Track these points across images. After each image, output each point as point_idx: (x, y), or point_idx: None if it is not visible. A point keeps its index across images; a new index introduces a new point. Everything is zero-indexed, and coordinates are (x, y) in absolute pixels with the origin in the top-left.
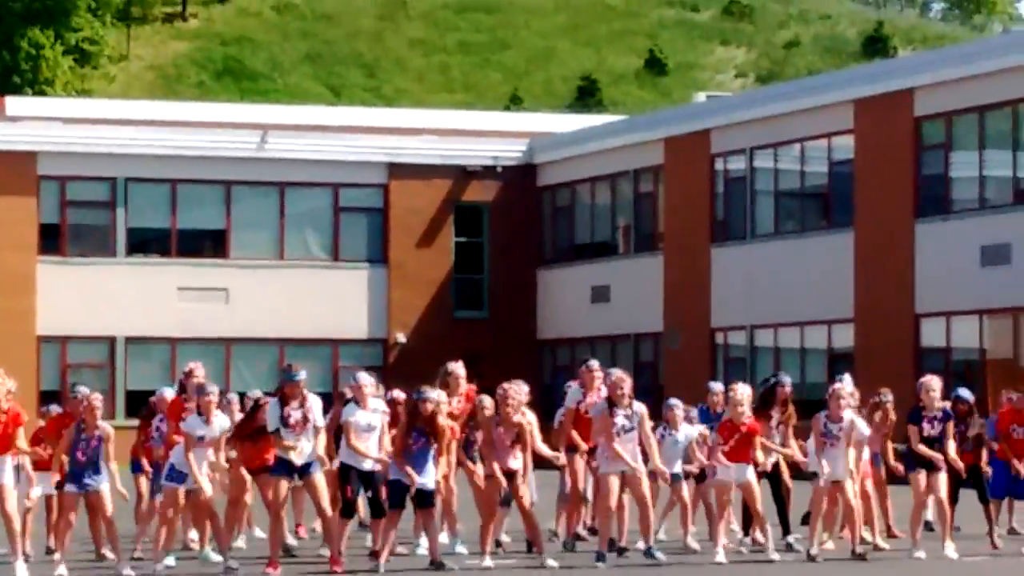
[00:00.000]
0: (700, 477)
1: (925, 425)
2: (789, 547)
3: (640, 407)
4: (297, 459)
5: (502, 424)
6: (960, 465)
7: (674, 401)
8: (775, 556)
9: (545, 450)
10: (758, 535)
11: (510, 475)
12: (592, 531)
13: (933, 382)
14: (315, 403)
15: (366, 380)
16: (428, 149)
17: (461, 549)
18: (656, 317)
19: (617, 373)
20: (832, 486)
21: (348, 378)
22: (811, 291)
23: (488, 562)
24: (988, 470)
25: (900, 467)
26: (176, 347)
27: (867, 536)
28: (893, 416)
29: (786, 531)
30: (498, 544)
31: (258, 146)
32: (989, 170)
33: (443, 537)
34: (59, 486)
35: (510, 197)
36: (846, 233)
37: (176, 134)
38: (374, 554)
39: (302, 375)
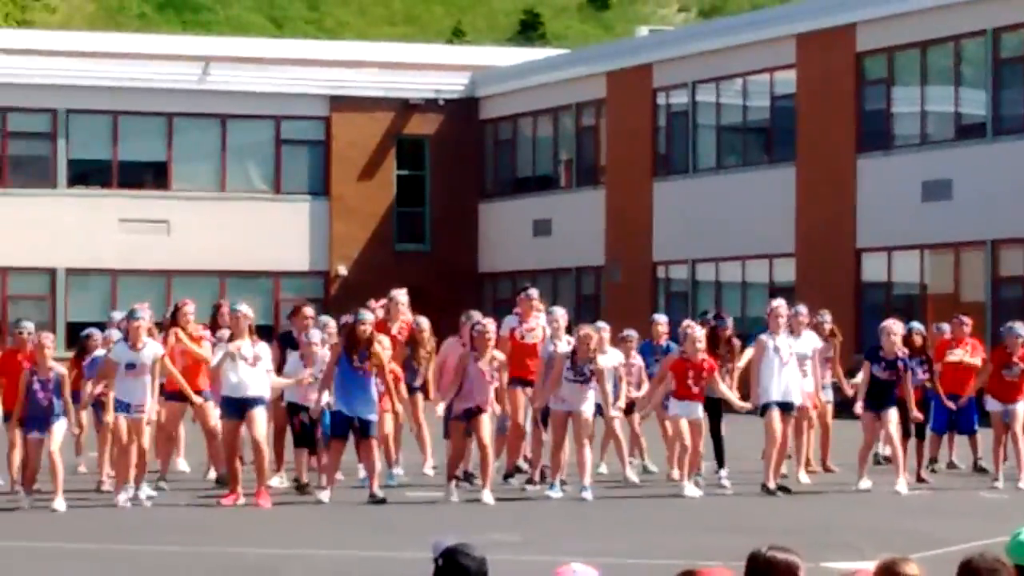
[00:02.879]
0: (627, 410)
1: (884, 363)
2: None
3: (602, 360)
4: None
5: (481, 359)
6: (918, 416)
7: (602, 324)
8: (691, 491)
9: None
10: (674, 472)
11: (478, 410)
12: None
13: (894, 326)
14: (263, 348)
15: (316, 338)
16: (370, 82)
17: (398, 470)
18: (598, 251)
19: (585, 329)
20: (784, 416)
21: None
22: (752, 225)
23: (453, 494)
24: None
25: (851, 391)
26: (117, 279)
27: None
28: (839, 336)
29: (720, 466)
30: (469, 478)
31: (200, 78)
32: (930, 105)
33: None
34: (6, 420)
35: (452, 130)
36: (787, 168)
37: (117, 66)
38: (299, 487)
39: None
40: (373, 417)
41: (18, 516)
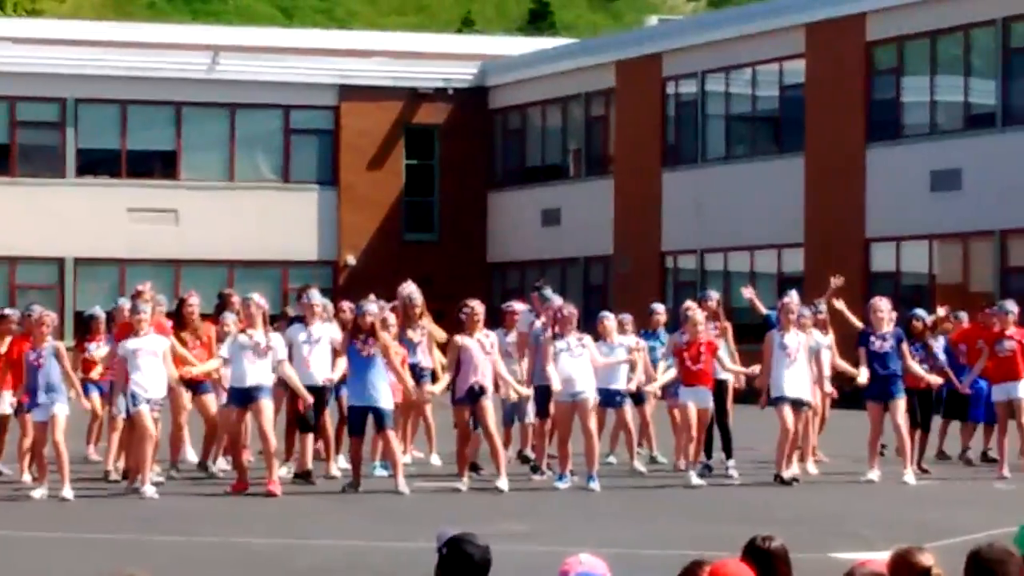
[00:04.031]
0: (637, 399)
1: (875, 340)
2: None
3: (586, 338)
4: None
5: (471, 336)
6: (932, 380)
7: (605, 312)
8: (697, 481)
9: (504, 371)
10: (681, 462)
11: (482, 391)
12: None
13: (880, 303)
14: (277, 340)
15: (317, 299)
16: (379, 71)
17: (406, 457)
18: (606, 240)
19: (569, 309)
20: (795, 411)
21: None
22: (761, 215)
23: (463, 484)
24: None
25: (835, 392)
26: (125, 268)
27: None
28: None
29: (728, 456)
30: (476, 468)
31: (209, 67)
32: (940, 95)
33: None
34: (18, 410)
35: (461, 120)
36: (797, 157)
37: (127, 55)
38: (303, 475)
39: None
40: (388, 406)
41: (26, 505)
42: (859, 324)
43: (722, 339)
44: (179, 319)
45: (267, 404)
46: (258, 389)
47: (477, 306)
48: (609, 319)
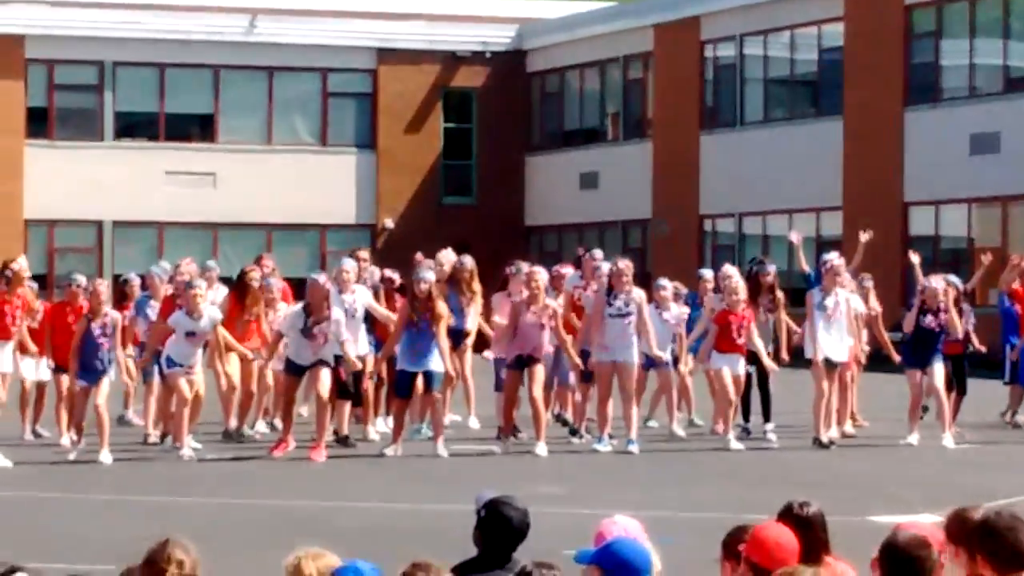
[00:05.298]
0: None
1: (928, 319)
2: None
3: (639, 293)
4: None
5: (532, 306)
6: (981, 348)
7: (663, 282)
8: (736, 445)
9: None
10: (719, 426)
11: (532, 359)
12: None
13: (935, 281)
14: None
15: (348, 265)
16: (417, 34)
17: (427, 433)
18: (644, 204)
19: (623, 262)
20: (830, 370)
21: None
22: (800, 178)
23: (498, 447)
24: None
25: (896, 356)
26: (163, 231)
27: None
28: (876, 304)
29: (767, 419)
30: (515, 432)
31: (247, 30)
32: (979, 58)
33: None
34: (57, 371)
35: (499, 83)
36: (835, 121)
37: (165, 18)
38: (341, 439)
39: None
40: (439, 369)
41: (65, 468)
42: (923, 281)
43: (776, 312)
44: (241, 288)
45: (326, 372)
46: (319, 360)
47: (541, 273)
48: (666, 289)
